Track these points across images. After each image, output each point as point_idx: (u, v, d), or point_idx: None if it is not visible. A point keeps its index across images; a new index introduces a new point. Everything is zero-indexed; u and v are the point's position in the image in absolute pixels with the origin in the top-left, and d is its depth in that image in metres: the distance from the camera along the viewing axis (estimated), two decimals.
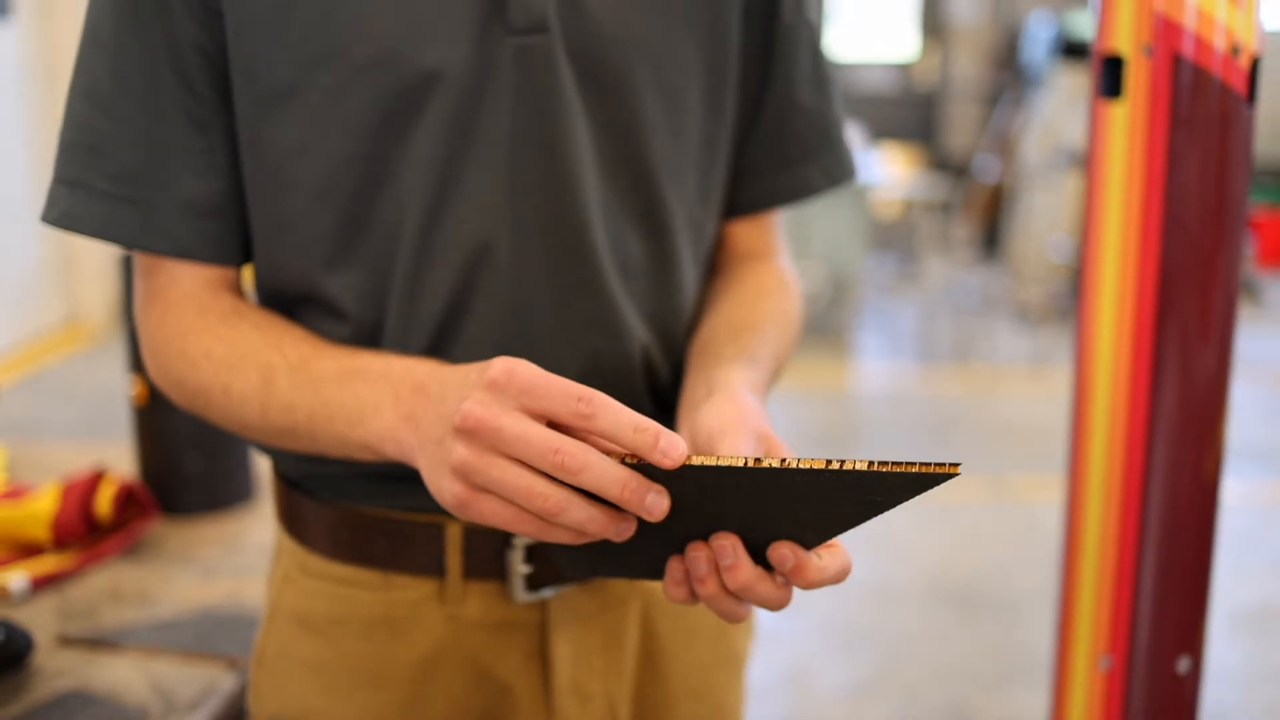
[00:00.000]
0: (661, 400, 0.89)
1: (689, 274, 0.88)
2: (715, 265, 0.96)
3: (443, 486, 0.65)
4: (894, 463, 0.61)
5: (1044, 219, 6.18)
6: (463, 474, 0.63)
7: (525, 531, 0.64)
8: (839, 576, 0.69)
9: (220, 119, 0.81)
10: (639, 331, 0.84)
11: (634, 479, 0.61)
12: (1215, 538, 1.29)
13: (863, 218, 5.80)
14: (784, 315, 0.91)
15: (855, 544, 2.70)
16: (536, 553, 0.83)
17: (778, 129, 0.93)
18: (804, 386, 5.10)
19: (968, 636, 2.95)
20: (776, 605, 0.69)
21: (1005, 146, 7.24)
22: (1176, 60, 1.16)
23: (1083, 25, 6.68)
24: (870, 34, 8.95)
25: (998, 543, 3.53)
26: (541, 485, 0.61)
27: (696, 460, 0.61)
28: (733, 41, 0.87)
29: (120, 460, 1.67)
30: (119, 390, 4.63)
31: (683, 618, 0.92)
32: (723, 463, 0.61)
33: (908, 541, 3.54)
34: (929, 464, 0.60)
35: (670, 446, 0.61)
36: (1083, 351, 1.26)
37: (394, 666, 0.85)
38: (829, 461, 0.61)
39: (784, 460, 0.61)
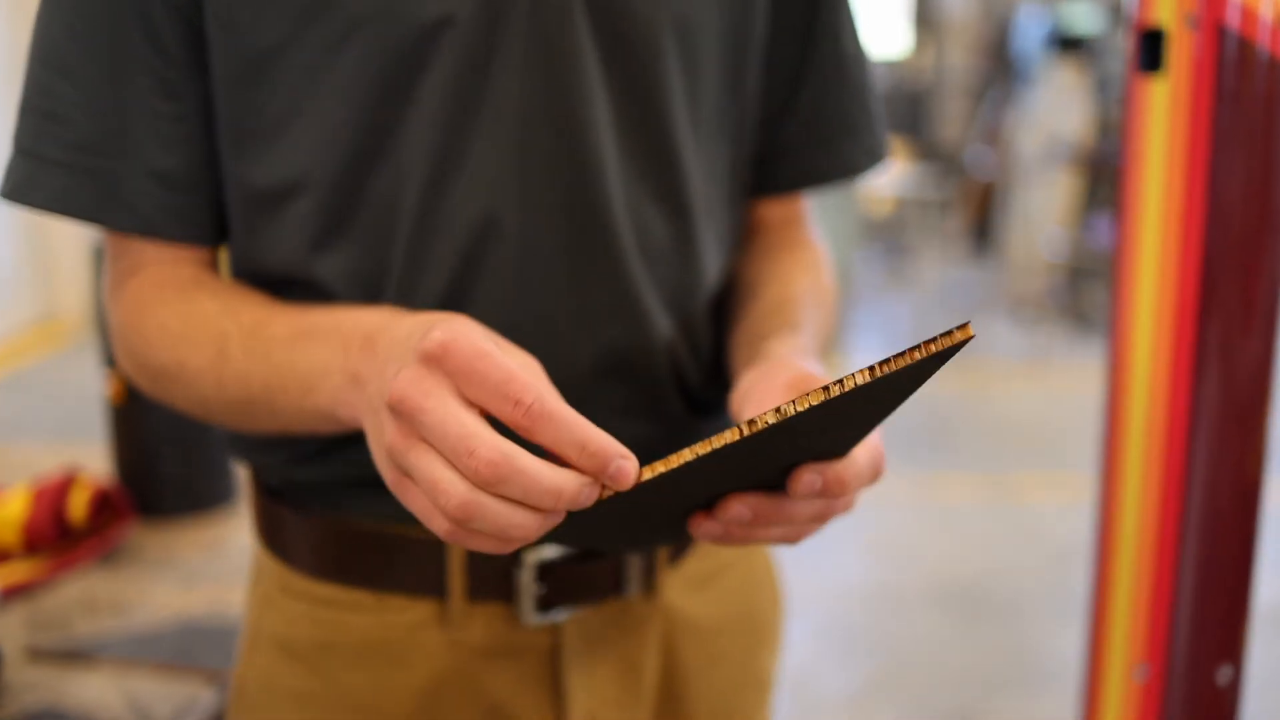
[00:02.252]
0: (691, 399, 0.80)
1: (711, 259, 0.80)
2: (748, 247, 0.88)
3: (379, 464, 0.58)
4: (896, 356, 0.51)
5: (1038, 214, 6.13)
6: (389, 455, 0.55)
7: (439, 531, 0.55)
8: (874, 470, 0.63)
9: (193, 82, 0.73)
10: (662, 321, 0.76)
11: (575, 489, 0.53)
12: (1258, 540, 1.23)
13: (854, 214, 5.74)
14: (822, 292, 0.83)
15: (854, 547, 2.62)
16: (549, 571, 0.75)
17: (820, 105, 0.85)
18: None
19: (969, 639, 2.88)
20: (826, 519, 0.62)
21: (996, 140, 7.19)
22: (1222, 31, 1.09)
23: (1076, 19, 6.64)
24: (862, 29, 8.93)
25: (998, 543, 3.47)
26: (448, 482, 0.52)
27: (649, 475, 0.53)
28: (758, 17, 0.79)
29: (96, 461, 1.60)
30: (96, 390, 4.55)
31: (707, 642, 0.84)
32: (682, 460, 0.53)
33: (907, 543, 3.47)
34: (935, 338, 0.50)
35: (620, 473, 0.53)
36: (1118, 345, 1.19)
37: (389, 698, 0.76)
38: (826, 389, 0.52)
39: (752, 422, 0.52)
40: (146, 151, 0.72)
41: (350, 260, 0.73)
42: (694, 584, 0.82)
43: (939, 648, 2.85)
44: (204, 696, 1.09)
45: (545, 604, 0.75)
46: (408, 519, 0.73)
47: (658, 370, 0.77)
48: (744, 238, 0.87)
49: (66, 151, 0.72)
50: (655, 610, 0.80)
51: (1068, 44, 6.76)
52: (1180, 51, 1.11)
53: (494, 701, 0.77)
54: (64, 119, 0.71)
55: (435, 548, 0.75)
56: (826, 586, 3.19)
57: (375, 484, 0.71)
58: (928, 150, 8.45)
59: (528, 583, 0.75)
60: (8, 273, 5.51)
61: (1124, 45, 6.45)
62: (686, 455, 0.53)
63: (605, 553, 0.76)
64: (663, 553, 0.79)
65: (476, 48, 0.69)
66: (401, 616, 0.76)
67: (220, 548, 1.40)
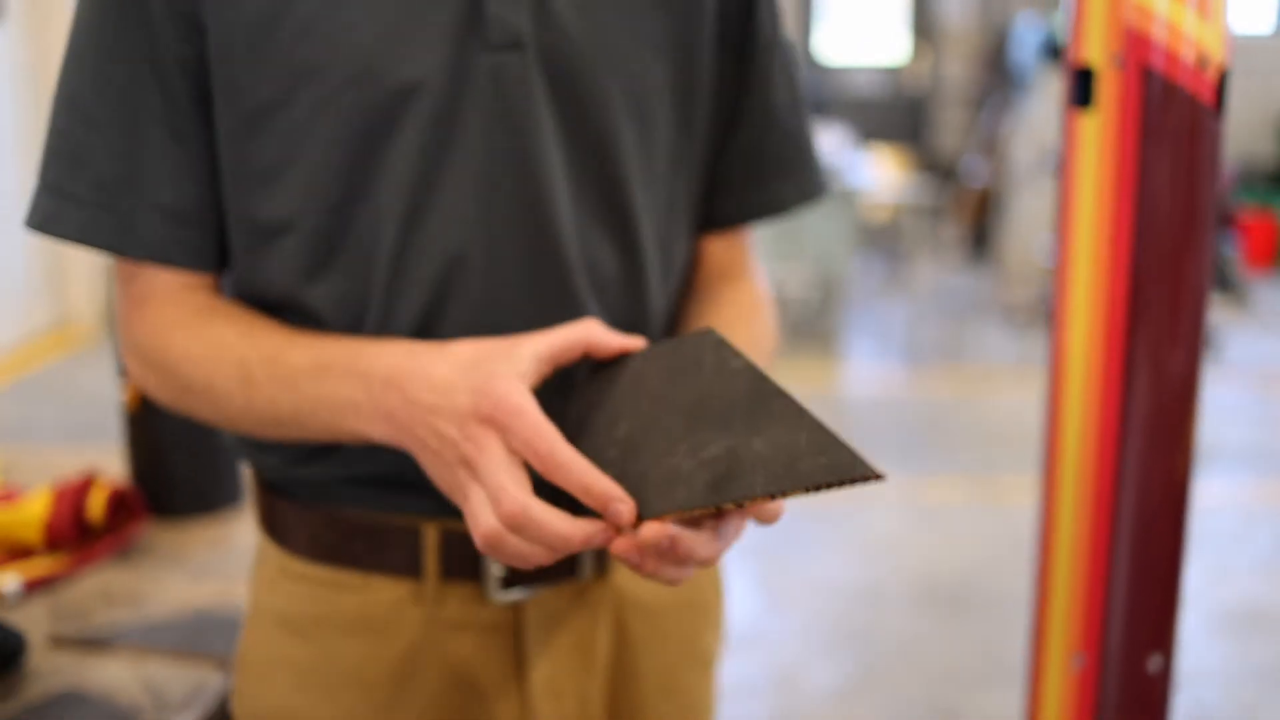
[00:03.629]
0: None
1: (657, 288, 0.90)
2: (692, 284, 0.98)
3: (443, 484, 0.75)
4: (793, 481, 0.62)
5: (1031, 222, 6.22)
6: (449, 481, 0.74)
7: (476, 542, 0.72)
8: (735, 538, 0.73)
9: (200, 130, 0.83)
10: None
11: (584, 538, 0.70)
12: (1186, 537, 1.32)
13: (851, 220, 5.83)
14: (762, 339, 0.93)
15: (843, 545, 2.73)
16: None
17: (754, 146, 0.95)
18: (793, 388, 5.13)
19: (953, 637, 2.97)
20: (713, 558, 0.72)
21: (992, 149, 7.27)
22: (1146, 72, 1.19)
23: (1055, 30, 6.72)
24: (861, 38, 8.98)
25: (984, 544, 3.56)
26: (485, 515, 0.71)
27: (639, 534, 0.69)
28: (703, 62, 0.89)
29: (110, 463, 1.69)
30: (109, 394, 4.65)
31: (654, 620, 0.94)
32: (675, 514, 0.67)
33: (894, 543, 3.56)
34: (830, 480, 0.60)
35: (617, 515, 0.69)
36: (1057, 354, 1.28)
37: (374, 667, 0.87)
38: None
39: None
40: (158, 190, 0.83)
41: (336, 289, 0.84)
42: None
43: (922, 645, 2.94)
44: (214, 680, 1.19)
45: (508, 583, 0.85)
46: (391, 508, 0.84)
47: None
48: (692, 271, 0.97)
49: (88, 190, 0.82)
50: (607, 591, 0.91)
51: (1062, 54, 6.84)
52: (1108, 89, 1.21)
53: (464, 670, 0.87)
54: (86, 161, 0.82)
55: (413, 535, 0.85)
56: (814, 586, 3.28)
57: (362, 481, 0.82)
58: (925, 158, 8.54)
59: (492, 565, 0.85)
60: (23, 281, 5.62)
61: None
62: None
63: None
64: None
65: (443, 109, 0.80)
66: (384, 594, 0.87)
67: (228, 544, 1.50)
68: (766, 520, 0.69)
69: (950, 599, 3.17)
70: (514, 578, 0.86)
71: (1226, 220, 7.48)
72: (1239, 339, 5.95)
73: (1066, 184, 1.26)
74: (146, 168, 0.82)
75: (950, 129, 8.87)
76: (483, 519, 0.69)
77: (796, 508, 3.83)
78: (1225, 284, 6.78)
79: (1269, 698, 2.70)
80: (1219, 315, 6.33)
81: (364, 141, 0.81)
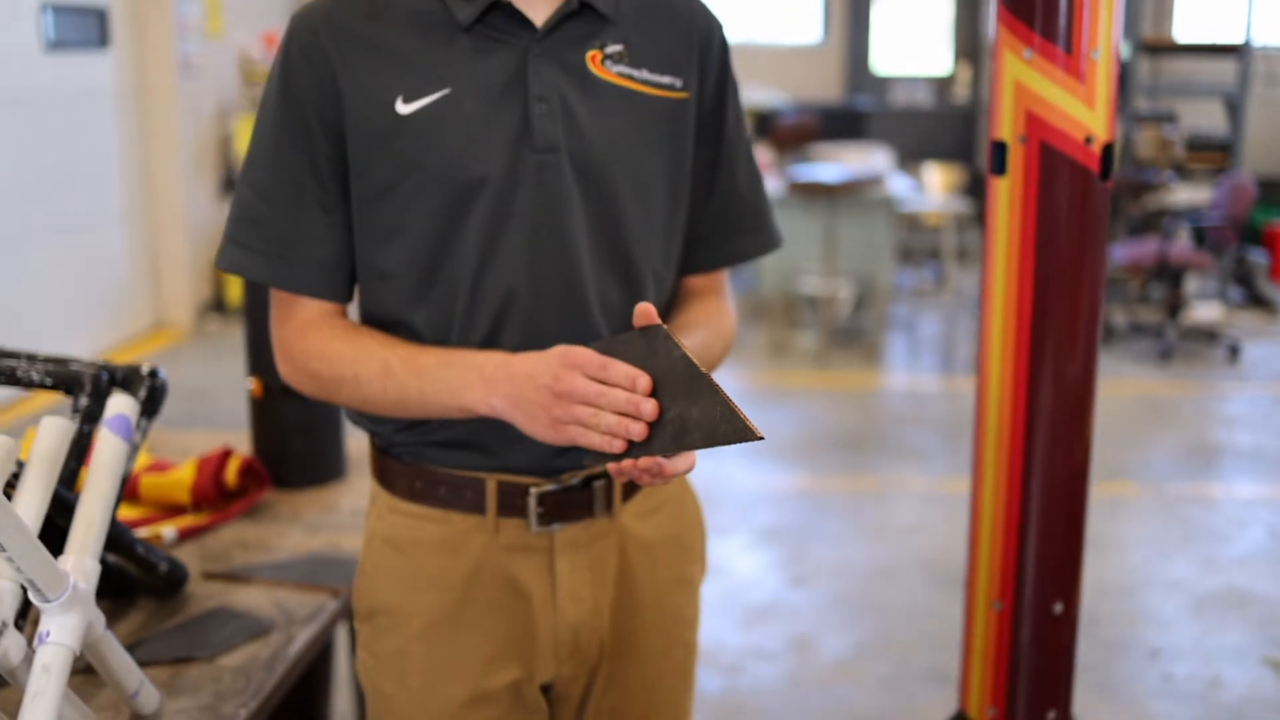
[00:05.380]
0: None
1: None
2: (680, 301, 1.35)
3: (538, 427, 1.10)
4: (733, 406, 0.98)
5: None
6: (553, 418, 1.09)
7: (586, 440, 1.07)
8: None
9: (341, 204, 1.22)
10: None
11: (633, 402, 1.05)
12: (1085, 509, 1.68)
13: (891, 232, 6.16)
14: (713, 337, 1.29)
15: (864, 531, 3.18)
16: (545, 499, 1.23)
17: (723, 213, 1.33)
18: (837, 388, 5.47)
19: (956, 610, 3.30)
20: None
21: None
22: (1043, 147, 1.54)
23: None
24: (907, 49, 9.26)
25: None
26: (589, 414, 1.06)
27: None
28: (687, 154, 1.27)
29: (208, 444, 2.09)
30: (203, 385, 5.11)
31: (649, 551, 1.31)
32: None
33: (912, 530, 3.90)
34: (740, 425, 0.98)
35: (645, 387, 1.05)
36: (981, 366, 1.64)
37: (451, 574, 1.25)
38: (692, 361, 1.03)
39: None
40: (311, 246, 1.22)
41: (430, 314, 1.22)
42: (641, 514, 1.30)
43: (927, 618, 3.28)
44: (329, 604, 1.58)
45: (544, 520, 1.23)
46: (465, 466, 1.23)
47: None
48: (678, 298, 1.35)
49: (263, 245, 1.21)
50: (615, 528, 1.28)
51: None
52: (1015, 160, 1.57)
53: (513, 579, 1.25)
54: (262, 224, 1.21)
55: (479, 484, 1.23)
56: (834, 566, 3.63)
57: (443, 444, 1.21)
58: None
59: (533, 506, 1.23)
60: (124, 287, 6.11)
61: (1146, 71, 6.73)
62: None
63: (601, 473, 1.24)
64: (619, 490, 1.27)
65: (503, 193, 1.18)
66: (459, 526, 1.25)
67: (335, 508, 1.89)
68: (688, 463, 1.08)
69: (955, 578, 3.49)
70: (548, 515, 1.24)
71: (1253, 234, 7.71)
72: (1260, 348, 6.20)
73: (987, 233, 1.62)
74: (305, 230, 1.21)
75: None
76: (575, 408, 1.06)
77: (822, 499, 4.19)
78: (1253, 295, 7.02)
79: (1231, 672, 3.01)
80: (1243, 325, 6.59)
81: (449, 215, 1.19)
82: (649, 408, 1.03)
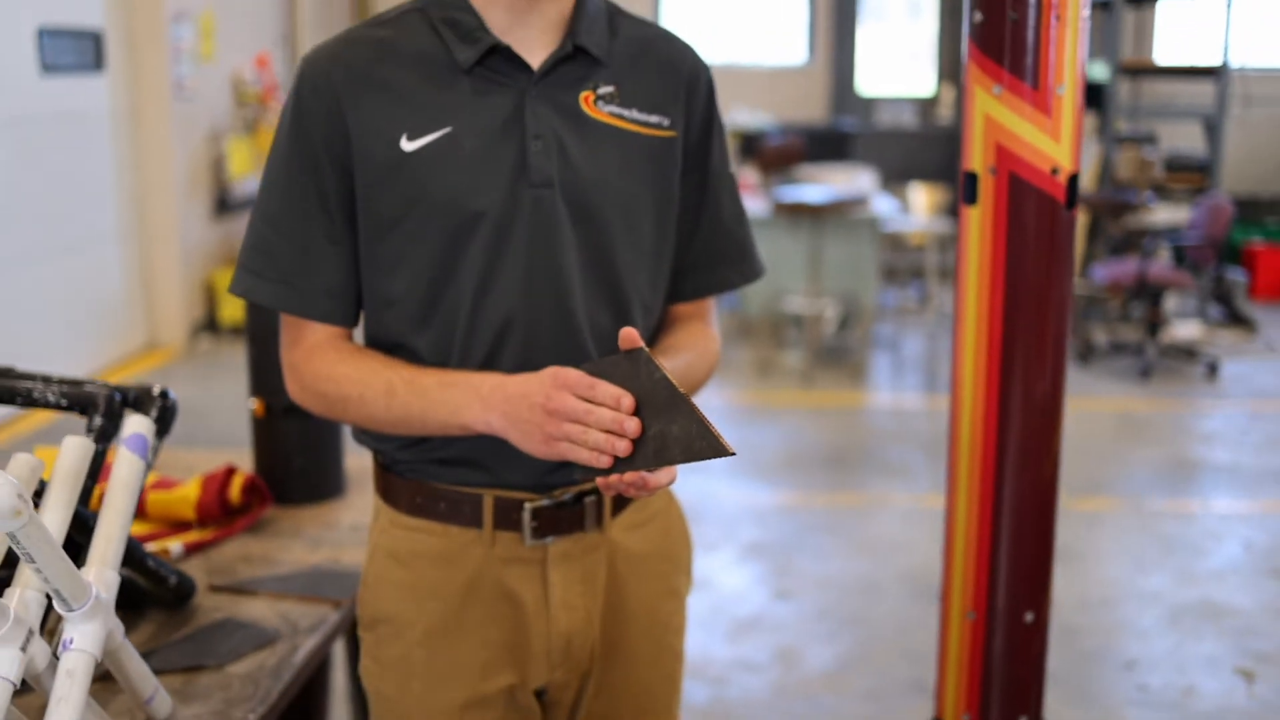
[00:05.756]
0: None
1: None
2: (668, 326, 1.43)
3: (532, 443, 1.17)
4: (706, 423, 1.07)
5: None
6: (546, 434, 1.15)
7: (575, 456, 1.13)
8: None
9: (348, 235, 1.29)
10: None
11: (618, 420, 1.12)
12: (1054, 522, 1.75)
13: (875, 252, 6.26)
14: (696, 359, 1.37)
15: (847, 546, 3.26)
16: (538, 513, 1.30)
17: (709, 245, 1.40)
18: (822, 406, 5.56)
19: (931, 622, 3.38)
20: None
21: None
22: (1011, 177, 1.63)
23: (1088, 69, 7.11)
24: (892, 70, 9.38)
25: None
26: (579, 431, 1.13)
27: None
28: (674, 189, 1.35)
29: (216, 462, 2.16)
30: (197, 404, 5.16)
31: (637, 564, 1.38)
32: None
33: (895, 544, 3.97)
34: (713, 441, 1.06)
35: (629, 406, 1.13)
36: (954, 384, 1.72)
37: (450, 585, 1.32)
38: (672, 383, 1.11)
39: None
40: (320, 274, 1.29)
41: (432, 339, 1.29)
42: (630, 527, 1.37)
43: (908, 631, 3.35)
44: (331, 614, 1.65)
45: (538, 533, 1.30)
46: (463, 483, 1.30)
47: None
48: (666, 323, 1.43)
49: (276, 273, 1.28)
50: (605, 541, 1.35)
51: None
52: (986, 190, 1.65)
53: (508, 589, 1.32)
54: (274, 254, 1.28)
55: (476, 499, 1.30)
56: (818, 580, 3.70)
57: (443, 462, 1.29)
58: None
59: (527, 520, 1.30)
60: (118, 307, 6.17)
61: (1126, 93, 6.85)
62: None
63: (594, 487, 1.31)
64: (609, 505, 1.34)
65: (501, 225, 1.25)
66: (457, 539, 1.32)
67: (334, 524, 1.96)
68: (669, 476, 1.15)
69: (931, 590, 3.56)
70: (541, 529, 1.31)
71: (1232, 253, 7.83)
72: (1239, 365, 6.31)
73: (960, 259, 1.70)
74: (312, 259, 1.28)
75: None
76: (565, 425, 1.13)
77: (807, 515, 4.26)
78: (1232, 313, 7.13)
79: (1205, 682, 3.09)
80: (1222, 343, 6.69)
81: (450, 246, 1.26)
82: (632, 426, 1.11)
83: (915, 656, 3.19)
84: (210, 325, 6.71)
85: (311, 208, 1.27)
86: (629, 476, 1.13)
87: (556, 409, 1.14)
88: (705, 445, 1.07)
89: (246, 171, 6.95)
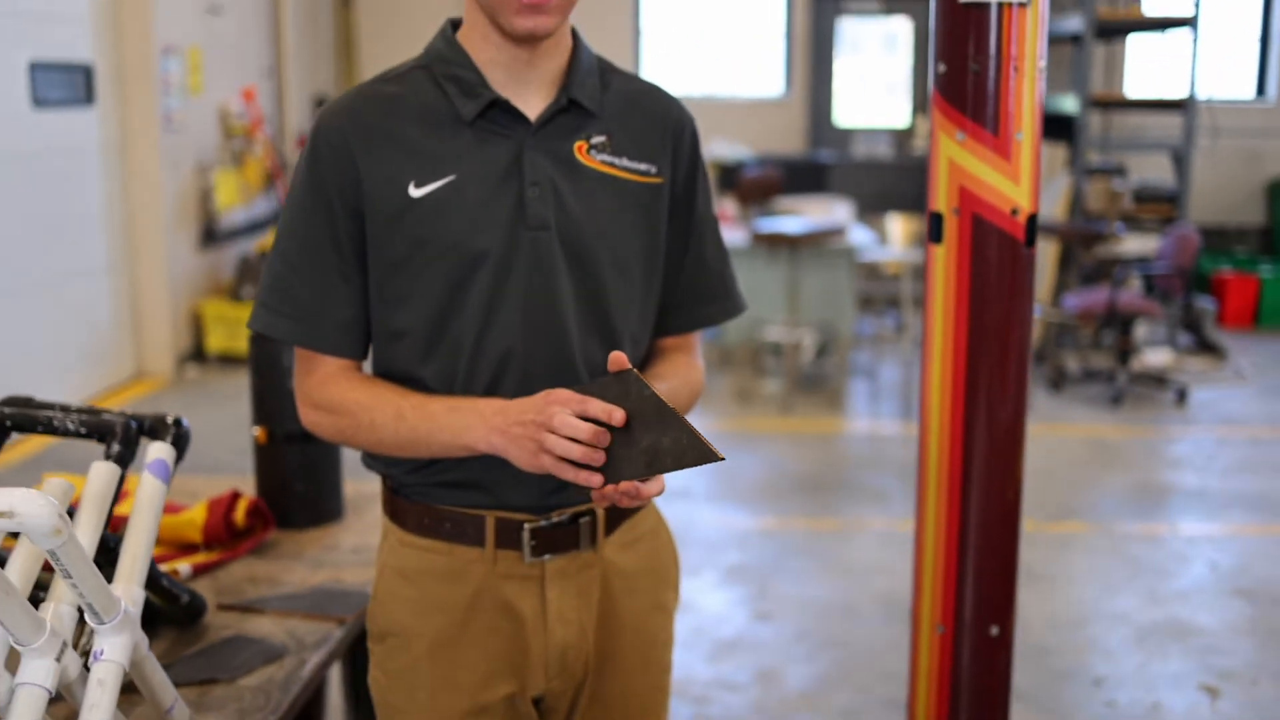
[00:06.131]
0: None
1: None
2: (655, 357, 1.53)
3: (524, 457, 1.26)
4: (694, 431, 1.17)
5: None
6: (539, 443, 1.25)
7: (561, 472, 1.23)
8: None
9: (359, 274, 1.39)
10: None
11: (594, 432, 1.22)
12: (1018, 540, 1.86)
13: (852, 282, 6.38)
14: (682, 385, 1.47)
15: (826, 570, 3.39)
16: (537, 533, 1.40)
17: (693, 283, 1.51)
18: (801, 434, 5.66)
19: (908, 643, 3.48)
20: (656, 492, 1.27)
21: None
22: (975, 218, 1.74)
23: (1061, 102, 7.27)
24: (868, 101, 9.54)
25: None
26: (564, 445, 1.22)
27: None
28: (661, 232, 1.45)
29: (217, 488, 2.24)
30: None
31: (629, 580, 1.48)
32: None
33: (872, 567, 4.07)
34: (705, 448, 1.16)
35: (620, 421, 1.22)
36: (923, 411, 1.83)
37: (454, 600, 1.42)
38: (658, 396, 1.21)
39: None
40: (333, 311, 1.39)
41: (437, 370, 1.39)
42: (622, 546, 1.47)
43: (885, 652, 3.45)
44: (335, 631, 1.74)
45: (536, 552, 1.40)
46: (467, 505, 1.40)
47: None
48: (654, 355, 1.53)
49: (292, 310, 1.38)
50: (598, 560, 1.45)
51: (1049, 121, 7.41)
52: (950, 230, 1.76)
53: (509, 604, 1.42)
54: (290, 293, 1.38)
55: (479, 520, 1.40)
56: (797, 602, 3.80)
57: (448, 485, 1.39)
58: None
59: (527, 540, 1.40)
60: (106, 338, 6.24)
61: (1097, 126, 6.99)
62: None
63: (586, 509, 1.41)
64: (601, 524, 1.44)
65: (501, 266, 1.36)
66: (461, 557, 1.41)
67: (334, 546, 2.05)
68: (660, 486, 1.26)
69: (908, 612, 3.66)
70: (540, 548, 1.41)
71: (1202, 281, 8.00)
72: (1207, 391, 6.45)
73: (927, 294, 1.81)
74: (326, 297, 1.38)
75: None
76: (554, 439, 1.23)
77: (787, 539, 4.36)
78: (1202, 341, 7.28)
79: (1170, 698, 3.19)
80: (1191, 369, 6.84)
81: (455, 283, 1.36)
82: (605, 439, 1.22)
83: (891, 676, 3.29)
84: (197, 354, 6.78)
85: (326, 249, 1.38)
86: (624, 486, 1.23)
87: (547, 422, 1.24)
88: (696, 453, 1.17)
89: (233, 203, 7.04)
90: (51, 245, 5.69)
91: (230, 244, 7.13)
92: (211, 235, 6.90)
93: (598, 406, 1.23)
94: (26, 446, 5.07)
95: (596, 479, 1.22)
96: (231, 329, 6.66)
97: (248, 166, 7.20)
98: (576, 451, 1.22)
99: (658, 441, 1.20)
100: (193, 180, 6.73)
